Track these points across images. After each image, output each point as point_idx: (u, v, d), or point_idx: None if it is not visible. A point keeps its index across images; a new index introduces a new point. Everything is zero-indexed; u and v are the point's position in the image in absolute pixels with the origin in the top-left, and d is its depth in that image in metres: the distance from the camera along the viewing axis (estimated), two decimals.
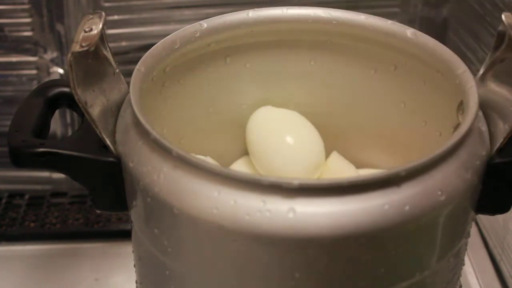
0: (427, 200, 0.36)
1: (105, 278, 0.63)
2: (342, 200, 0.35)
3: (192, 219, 0.36)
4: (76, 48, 0.37)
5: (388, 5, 0.71)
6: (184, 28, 0.46)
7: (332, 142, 0.52)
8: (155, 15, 0.70)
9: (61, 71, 0.71)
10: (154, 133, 0.38)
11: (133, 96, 0.40)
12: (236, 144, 0.53)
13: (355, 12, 0.47)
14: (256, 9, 0.48)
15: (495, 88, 0.42)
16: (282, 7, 0.48)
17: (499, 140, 0.40)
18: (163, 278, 0.41)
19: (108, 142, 0.40)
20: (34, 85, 0.70)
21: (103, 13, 0.40)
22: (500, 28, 0.41)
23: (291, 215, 0.35)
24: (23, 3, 0.68)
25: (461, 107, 0.43)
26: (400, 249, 0.37)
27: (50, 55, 0.70)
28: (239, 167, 0.53)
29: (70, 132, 0.72)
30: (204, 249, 0.38)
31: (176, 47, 0.46)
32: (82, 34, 0.38)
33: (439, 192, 0.36)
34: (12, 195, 0.73)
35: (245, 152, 0.53)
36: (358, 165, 0.53)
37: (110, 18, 0.69)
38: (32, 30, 0.69)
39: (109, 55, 0.42)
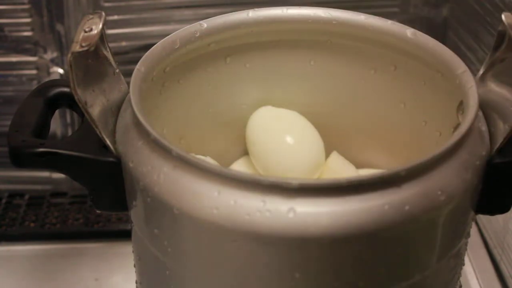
0: (427, 200, 0.36)
1: (105, 278, 0.63)
2: (342, 200, 0.35)
3: (192, 219, 0.36)
4: (76, 48, 0.37)
5: (388, 5, 0.71)
6: (184, 28, 0.46)
7: (332, 142, 0.52)
8: (155, 15, 0.70)
9: (61, 71, 0.71)
10: (154, 133, 0.38)
11: (133, 96, 0.40)
12: (236, 144, 0.53)
13: (355, 12, 0.47)
14: (256, 9, 0.48)
15: (495, 88, 0.42)
16: (282, 7, 0.48)
17: (499, 140, 0.40)
18: (163, 278, 0.41)
19: (108, 142, 0.40)
20: (34, 85, 0.70)
21: (103, 13, 0.40)
22: (500, 28, 0.41)
23: (291, 215, 0.35)
24: (23, 3, 0.68)
25: (461, 107, 0.43)
26: (400, 249, 0.37)
27: (50, 55, 0.70)
28: (239, 167, 0.53)
29: (70, 132, 0.72)
30: (204, 249, 0.38)
31: (176, 47, 0.46)
32: (82, 34, 0.38)
33: (439, 192, 0.36)
34: (12, 195, 0.73)
35: (245, 152, 0.53)
36: (358, 165, 0.53)
37: (110, 18, 0.69)
38: (32, 30, 0.69)
39: (109, 55, 0.42)
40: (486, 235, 0.66)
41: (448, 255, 0.40)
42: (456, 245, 0.40)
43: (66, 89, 0.45)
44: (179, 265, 0.39)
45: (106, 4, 0.69)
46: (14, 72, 0.71)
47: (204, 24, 0.47)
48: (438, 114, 0.47)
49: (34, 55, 0.70)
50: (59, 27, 0.69)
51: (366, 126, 0.52)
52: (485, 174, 0.40)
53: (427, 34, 0.46)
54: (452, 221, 0.39)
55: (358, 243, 0.36)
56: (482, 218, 0.66)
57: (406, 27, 0.46)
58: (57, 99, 0.46)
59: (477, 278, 0.62)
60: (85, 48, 0.38)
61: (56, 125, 0.72)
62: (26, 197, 0.72)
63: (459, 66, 0.43)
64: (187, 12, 0.69)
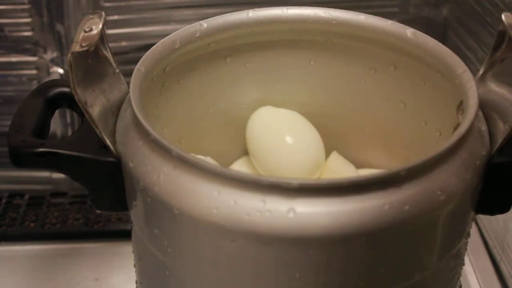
0: (427, 200, 0.36)
1: (105, 278, 0.63)
2: (342, 200, 0.35)
3: (192, 219, 0.36)
4: (76, 48, 0.37)
5: (388, 5, 0.71)
6: (184, 28, 0.46)
7: (332, 142, 0.52)
8: (155, 15, 0.70)
9: (61, 71, 0.71)
10: (154, 133, 0.38)
11: (133, 96, 0.40)
12: (236, 144, 0.53)
13: (355, 12, 0.47)
14: (256, 9, 0.48)
15: (495, 88, 0.42)
16: (282, 7, 0.48)
17: (499, 140, 0.40)
18: (163, 278, 0.41)
19: (108, 142, 0.40)
20: (34, 85, 0.70)
21: (103, 13, 0.40)
22: (500, 28, 0.41)
23: (291, 215, 0.35)
24: (23, 3, 0.68)
25: (461, 107, 0.43)
26: (400, 249, 0.37)
27: (50, 55, 0.70)
28: (239, 167, 0.53)
29: (70, 132, 0.72)
30: (204, 249, 0.38)
31: (176, 47, 0.46)
32: (82, 34, 0.38)
33: (439, 192, 0.36)
34: (12, 195, 0.73)
35: (245, 152, 0.53)
36: (358, 165, 0.53)
37: (110, 18, 0.69)
38: (32, 30, 0.69)
39: (109, 55, 0.42)
40: (486, 235, 0.66)
41: (448, 255, 0.40)
42: (456, 245, 0.40)
43: (66, 89, 0.45)
44: (179, 265, 0.39)
45: (106, 4, 0.69)
46: (14, 72, 0.71)
47: (204, 24, 0.47)
48: (438, 114, 0.47)
49: (34, 55, 0.70)
50: (59, 27, 0.69)
51: (366, 126, 0.52)
52: (485, 174, 0.40)
53: (427, 34, 0.46)
54: (452, 221, 0.39)
55: (358, 243, 0.36)
56: (482, 218, 0.66)
57: (406, 27, 0.46)
58: (57, 99, 0.46)
59: (477, 278, 0.62)
60: (85, 48, 0.38)
61: (56, 125, 0.72)
62: (26, 197, 0.72)
63: (459, 66, 0.43)
64: (187, 12, 0.69)
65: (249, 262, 0.37)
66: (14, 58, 0.70)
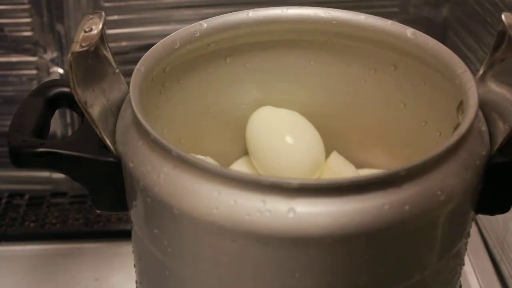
0: (427, 200, 0.36)
1: (105, 278, 0.63)
2: (342, 200, 0.35)
3: (192, 219, 0.36)
4: (76, 48, 0.37)
5: (388, 5, 0.71)
6: (184, 28, 0.46)
7: (332, 142, 0.52)
8: (155, 15, 0.70)
9: (61, 71, 0.71)
10: (154, 133, 0.38)
11: (133, 96, 0.40)
12: (236, 144, 0.53)
13: (355, 12, 0.47)
14: (256, 9, 0.48)
15: (495, 88, 0.42)
16: (282, 7, 0.48)
17: (499, 140, 0.40)
18: (163, 278, 0.41)
19: (108, 142, 0.40)
20: (34, 85, 0.70)
21: (103, 13, 0.40)
22: (500, 28, 0.41)
23: (291, 215, 0.35)
24: (23, 3, 0.68)
25: (461, 107, 0.43)
26: (400, 249, 0.37)
27: (50, 55, 0.70)
28: (239, 167, 0.53)
29: (70, 132, 0.72)
30: (204, 249, 0.38)
31: (176, 47, 0.46)
32: (82, 34, 0.38)
33: (439, 192, 0.36)
34: (12, 195, 0.73)
35: (245, 152, 0.53)
36: (358, 165, 0.53)
37: (110, 18, 0.69)
38: (32, 30, 0.69)
39: (109, 55, 0.42)
40: (486, 235, 0.66)
41: (448, 255, 0.40)
42: (456, 245, 0.40)
43: (66, 89, 0.45)
44: (179, 265, 0.39)
45: (106, 4, 0.69)
46: (14, 72, 0.71)
47: (204, 24, 0.47)
48: (438, 114, 0.47)
49: (34, 55, 0.70)
50: (59, 27, 0.69)
51: (366, 126, 0.52)
52: (485, 174, 0.40)
53: (427, 34, 0.46)
54: (452, 221, 0.39)
55: (358, 243, 0.36)
56: (482, 218, 0.66)
57: (406, 27, 0.46)
58: (57, 99, 0.46)
59: (477, 278, 0.62)
60: (85, 48, 0.38)
61: (56, 125, 0.72)
62: (26, 197, 0.72)
63: (459, 66, 0.43)
64: (187, 12, 0.69)
65: (249, 262, 0.37)
66: (14, 58, 0.70)
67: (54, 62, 0.70)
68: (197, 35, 0.46)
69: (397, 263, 0.38)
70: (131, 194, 0.40)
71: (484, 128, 0.41)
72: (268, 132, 0.51)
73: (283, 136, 0.50)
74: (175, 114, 0.49)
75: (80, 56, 0.38)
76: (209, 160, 0.49)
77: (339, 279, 0.37)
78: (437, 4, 0.71)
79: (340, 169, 0.51)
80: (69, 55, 0.37)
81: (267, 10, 0.48)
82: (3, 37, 0.69)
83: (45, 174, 0.73)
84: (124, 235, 0.48)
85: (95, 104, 0.40)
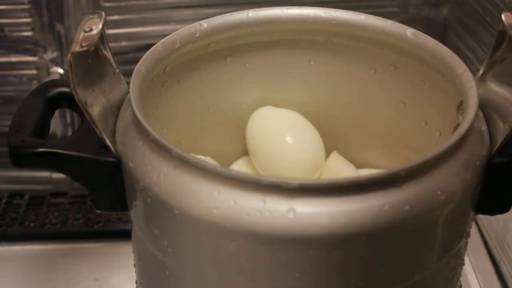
0: (427, 200, 0.36)
1: (105, 278, 0.63)
2: (342, 200, 0.35)
3: (192, 219, 0.36)
4: (76, 48, 0.37)
5: (388, 5, 0.71)
6: (184, 28, 0.46)
7: (332, 142, 0.52)
8: (155, 15, 0.70)
9: (61, 71, 0.71)
10: (154, 133, 0.38)
11: (133, 96, 0.40)
12: (236, 144, 0.53)
13: (355, 12, 0.47)
14: (256, 9, 0.48)
15: (495, 88, 0.42)
16: (282, 7, 0.48)
17: (499, 140, 0.40)
18: (163, 278, 0.41)
19: (108, 142, 0.40)
20: (34, 85, 0.70)
21: (103, 13, 0.40)
22: (500, 28, 0.41)
23: (291, 215, 0.35)
24: (23, 3, 0.68)
25: (461, 107, 0.43)
26: (400, 249, 0.37)
27: (50, 55, 0.70)
28: (239, 167, 0.53)
29: (70, 132, 0.72)
30: (204, 249, 0.38)
31: (176, 47, 0.46)
32: (82, 34, 0.38)
33: (439, 192, 0.36)
34: (12, 195, 0.73)
35: (245, 152, 0.53)
36: (358, 165, 0.53)
37: (110, 18, 0.69)
38: (32, 30, 0.69)
39: (109, 55, 0.42)
40: (486, 235, 0.66)
41: (448, 255, 0.40)
42: (456, 245, 0.40)
43: (66, 89, 0.45)
44: (179, 265, 0.39)
45: (106, 4, 0.69)
46: (14, 72, 0.71)
47: (204, 24, 0.47)
48: (438, 114, 0.47)
49: (34, 55, 0.70)
50: (59, 27, 0.69)
51: (366, 126, 0.52)
52: (485, 174, 0.40)
53: (427, 34, 0.46)
54: (452, 221, 0.39)
55: (358, 243, 0.36)
56: (482, 218, 0.66)
57: (406, 27, 0.46)
58: (57, 99, 0.46)
59: (477, 278, 0.62)
60: (85, 48, 0.38)
61: (56, 125, 0.72)
62: (26, 197, 0.72)
63: (459, 66, 0.43)
64: (187, 12, 0.69)
65: (249, 262, 0.37)
66: (14, 58, 0.70)
67: (54, 62, 0.70)
68: (197, 35, 0.46)
69: (397, 263, 0.38)
70: (131, 194, 0.40)
71: (484, 128, 0.41)
72: (268, 132, 0.51)
73: (283, 136, 0.50)
74: (175, 114, 0.49)
75: (80, 56, 0.38)
76: (209, 160, 0.49)
77: (339, 279, 0.37)
78: (437, 4, 0.71)
79: (340, 169, 0.51)
80: (69, 55, 0.37)
81: (267, 10, 0.48)
82: (3, 37, 0.69)
83: (45, 174, 0.73)
84: (124, 235, 0.48)
85: (95, 104, 0.40)
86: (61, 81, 0.48)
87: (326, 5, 0.49)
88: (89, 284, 0.62)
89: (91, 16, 0.40)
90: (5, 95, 0.71)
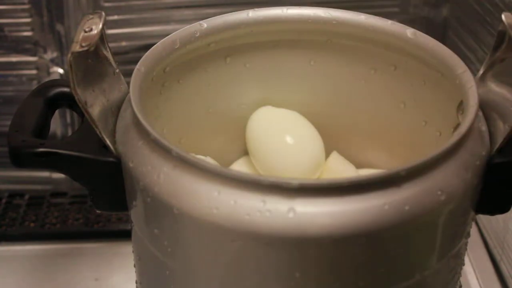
0: (427, 200, 0.36)
1: (105, 278, 0.63)
2: (342, 200, 0.35)
3: (192, 219, 0.36)
4: (76, 48, 0.37)
5: (388, 5, 0.71)
6: (184, 28, 0.46)
7: (332, 142, 0.52)
8: (155, 15, 0.70)
9: (61, 71, 0.71)
10: (154, 133, 0.38)
11: (133, 96, 0.40)
12: (236, 144, 0.53)
13: (355, 12, 0.47)
14: (256, 9, 0.48)
15: (495, 88, 0.42)
16: (282, 7, 0.48)
17: (499, 140, 0.40)
18: (163, 278, 0.41)
19: (108, 142, 0.40)
20: (34, 85, 0.70)
21: (103, 13, 0.40)
22: (500, 28, 0.41)
23: (291, 215, 0.35)
24: (23, 3, 0.68)
25: (461, 107, 0.43)
26: (400, 249, 0.37)
27: (50, 55, 0.70)
28: (239, 167, 0.53)
29: (70, 132, 0.72)
30: (204, 249, 0.38)
31: (176, 47, 0.46)
32: (82, 34, 0.38)
33: (439, 192, 0.36)
34: (12, 195, 0.73)
35: (245, 152, 0.53)
36: (358, 165, 0.53)
37: (110, 18, 0.69)
38: (32, 30, 0.69)
39: (109, 55, 0.42)
40: (486, 235, 0.66)
41: (448, 255, 0.40)
42: (456, 245, 0.40)
43: (66, 89, 0.45)
44: (179, 265, 0.39)
45: (106, 4, 0.69)
46: (14, 72, 0.71)
47: (204, 24, 0.47)
48: (438, 114, 0.47)
49: (34, 55, 0.70)
50: (59, 27, 0.69)
51: (366, 126, 0.52)
52: (485, 174, 0.40)
53: (427, 34, 0.46)
54: (452, 221, 0.39)
55: (358, 243, 0.36)
56: (482, 218, 0.66)
57: (406, 27, 0.46)
58: (57, 99, 0.46)
59: (477, 278, 0.62)
60: (85, 48, 0.38)
61: (56, 125, 0.72)
62: (26, 197, 0.72)
63: (459, 66, 0.43)
64: (187, 12, 0.69)
65: (249, 262, 0.37)
66: (14, 58, 0.70)
67: (54, 62, 0.70)
68: (197, 35, 0.46)
69: (397, 263, 0.38)
70: (131, 194, 0.40)
71: (484, 128, 0.41)
72: (268, 132, 0.51)
73: (283, 136, 0.50)
74: (175, 114, 0.49)
75: (80, 56, 0.38)
76: (209, 160, 0.49)
77: (339, 279, 0.37)
78: (437, 4, 0.71)
79: (340, 169, 0.51)
80: (69, 55, 0.37)
81: (267, 10, 0.48)
82: (3, 37, 0.69)
83: (45, 174, 0.73)
84: (124, 235, 0.48)
85: (95, 104, 0.40)
86: (61, 81, 0.48)
87: (326, 5, 0.49)
88: (89, 284, 0.62)
89: (91, 16, 0.40)
90: (5, 95, 0.71)
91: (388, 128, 0.51)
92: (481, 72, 0.43)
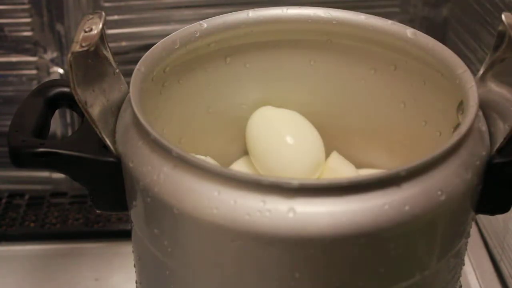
0: (427, 200, 0.36)
1: (105, 278, 0.63)
2: (342, 200, 0.35)
3: (192, 219, 0.36)
4: (76, 48, 0.37)
5: (388, 5, 0.71)
6: (184, 28, 0.46)
7: (332, 142, 0.52)
8: (155, 15, 0.70)
9: (61, 71, 0.71)
10: (154, 133, 0.38)
11: (133, 96, 0.40)
12: (236, 144, 0.53)
13: (355, 12, 0.47)
14: (256, 9, 0.48)
15: (495, 88, 0.42)
16: (282, 7, 0.48)
17: (499, 140, 0.40)
18: (163, 278, 0.41)
19: (108, 142, 0.40)
20: (34, 85, 0.70)
21: (103, 13, 0.40)
22: (500, 28, 0.41)
23: (291, 215, 0.35)
24: (23, 3, 0.68)
25: (461, 107, 0.43)
26: (400, 249, 0.37)
27: (50, 55, 0.70)
28: (239, 167, 0.53)
29: (70, 132, 0.72)
30: (204, 249, 0.38)
31: (176, 47, 0.46)
32: (82, 34, 0.38)
33: (439, 192, 0.36)
34: (12, 195, 0.73)
35: (245, 152, 0.53)
36: (358, 165, 0.53)
37: (110, 18, 0.69)
38: (32, 30, 0.69)
39: (109, 55, 0.42)
40: (486, 235, 0.66)
41: (448, 255, 0.40)
42: (456, 245, 0.40)
43: (66, 89, 0.45)
44: (179, 265, 0.39)
45: (106, 4, 0.69)
46: (14, 72, 0.71)
47: (204, 24, 0.47)
48: (438, 114, 0.47)
49: (34, 55, 0.70)
50: (59, 27, 0.69)
51: (366, 126, 0.52)
52: (485, 174, 0.40)
53: (427, 34, 0.46)
54: (452, 221, 0.39)
55: (358, 243, 0.36)
56: (482, 218, 0.66)
57: (406, 27, 0.46)
58: (57, 99, 0.46)
59: (477, 278, 0.62)
60: (85, 48, 0.38)
61: (56, 125, 0.72)
62: (26, 197, 0.72)
63: (459, 66, 0.43)
64: (187, 12, 0.69)
65: (249, 262, 0.37)
66: (14, 58, 0.70)
67: (54, 62, 0.70)
68: (197, 35, 0.46)
69: (397, 263, 0.38)
70: (131, 194, 0.40)
71: (484, 128, 0.41)
72: (268, 132, 0.51)
73: (283, 136, 0.50)
74: (175, 114, 0.49)
75: (80, 56, 0.38)
76: (209, 160, 0.49)
77: (339, 279, 0.37)
78: (437, 4, 0.71)
79: (340, 169, 0.51)
80: (69, 55, 0.37)
81: (267, 10, 0.48)
82: (3, 37, 0.69)
83: (45, 174, 0.73)
84: (124, 235, 0.48)
85: (95, 104, 0.40)
86: (61, 81, 0.48)
87: (326, 5, 0.49)
88: (89, 284, 0.62)
89: (91, 16, 0.40)
90: (5, 95, 0.71)
91: (388, 128, 0.51)
92: (481, 72, 0.43)
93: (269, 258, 0.36)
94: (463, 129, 0.38)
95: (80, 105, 0.39)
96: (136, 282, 0.46)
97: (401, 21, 0.47)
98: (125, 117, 0.41)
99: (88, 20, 0.39)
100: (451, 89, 0.43)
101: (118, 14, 0.69)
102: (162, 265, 0.40)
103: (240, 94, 0.52)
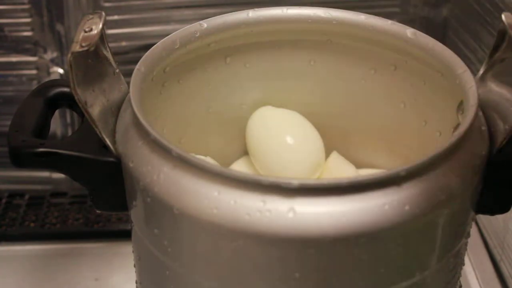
0: (427, 200, 0.36)
1: (105, 278, 0.63)
2: (342, 200, 0.35)
3: (192, 219, 0.36)
4: (76, 48, 0.38)
5: (388, 5, 0.71)
6: (184, 28, 0.46)
7: (332, 142, 0.52)
8: (155, 15, 0.70)
9: (61, 71, 0.71)
10: (154, 133, 0.38)
11: (133, 96, 0.40)
12: (236, 144, 0.53)
13: (355, 12, 0.47)
14: (256, 9, 0.48)
15: (495, 88, 0.42)
16: (282, 7, 0.48)
17: (499, 140, 0.40)
18: (163, 278, 0.41)
19: (108, 142, 0.40)
20: (34, 85, 0.70)
21: (103, 13, 0.40)
22: (500, 28, 0.41)
23: (291, 215, 0.35)
24: (23, 3, 0.68)
25: (461, 107, 0.43)
26: (400, 249, 0.37)
27: (50, 55, 0.70)
28: (239, 167, 0.53)
29: (70, 132, 0.72)
30: (204, 249, 0.38)
31: (176, 47, 0.46)
32: (82, 34, 0.38)
33: (439, 192, 0.36)
34: (12, 195, 0.73)
35: (245, 152, 0.53)
36: (358, 165, 0.53)
37: (110, 18, 0.69)
38: (32, 30, 0.69)
39: (109, 55, 0.42)
40: (486, 235, 0.66)
41: (448, 255, 0.40)
42: (456, 245, 0.40)
43: (66, 89, 0.45)
44: (179, 265, 0.39)
45: (106, 4, 0.69)
46: (14, 72, 0.71)
47: (204, 24, 0.47)
48: (438, 114, 0.47)
49: (34, 55, 0.70)
50: (59, 27, 0.69)
51: (366, 126, 0.52)
52: (485, 174, 0.40)
53: (427, 34, 0.46)
54: (452, 221, 0.39)
55: (358, 243, 0.36)
56: (482, 218, 0.66)
57: (406, 27, 0.46)
58: (57, 99, 0.46)
59: (477, 278, 0.62)
60: (85, 48, 0.38)
61: (56, 125, 0.72)
62: (26, 197, 0.72)
63: (459, 66, 0.43)
64: (187, 12, 0.69)
65: (249, 262, 0.37)
66: (14, 58, 0.70)
67: (54, 62, 0.70)
68: (197, 35, 0.46)
69: (397, 263, 0.38)
70: (131, 194, 0.40)
71: (484, 128, 0.41)
72: (268, 132, 0.51)
73: (283, 136, 0.50)
74: (175, 114, 0.49)
75: (80, 56, 0.38)
76: (209, 160, 0.49)
77: (339, 279, 0.37)
78: (437, 4, 0.71)
79: (340, 169, 0.51)
80: (69, 55, 0.37)
81: (267, 10, 0.48)
82: (3, 37, 0.69)
83: (45, 174, 0.73)
84: (124, 235, 0.48)
85: (95, 104, 0.40)
86: (61, 81, 0.48)
87: (326, 5, 0.49)
88: (89, 284, 0.62)
89: (91, 16, 0.40)
90: (5, 95, 0.71)
91: (388, 128, 0.51)
92: (481, 72, 0.43)
93: (269, 258, 0.36)
94: (463, 129, 0.38)
95: (80, 105, 0.39)
96: (136, 282, 0.46)
97: (401, 21, 0.47)
98: (125, 117, 0.41)
99: (88, 20, 0.39)
100: (451, 89, 0.43)
101: (118, 14, 0.69)
102: (162, 265, 0.40)
103: (240, 94, 0.52)
